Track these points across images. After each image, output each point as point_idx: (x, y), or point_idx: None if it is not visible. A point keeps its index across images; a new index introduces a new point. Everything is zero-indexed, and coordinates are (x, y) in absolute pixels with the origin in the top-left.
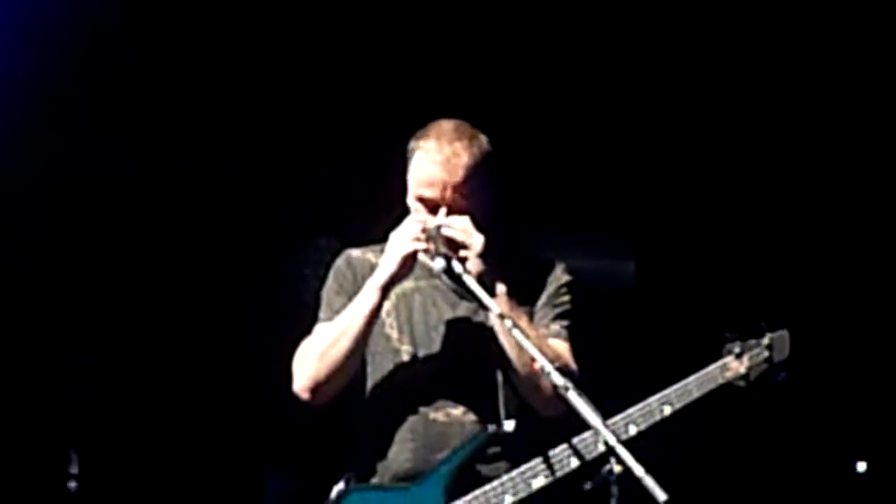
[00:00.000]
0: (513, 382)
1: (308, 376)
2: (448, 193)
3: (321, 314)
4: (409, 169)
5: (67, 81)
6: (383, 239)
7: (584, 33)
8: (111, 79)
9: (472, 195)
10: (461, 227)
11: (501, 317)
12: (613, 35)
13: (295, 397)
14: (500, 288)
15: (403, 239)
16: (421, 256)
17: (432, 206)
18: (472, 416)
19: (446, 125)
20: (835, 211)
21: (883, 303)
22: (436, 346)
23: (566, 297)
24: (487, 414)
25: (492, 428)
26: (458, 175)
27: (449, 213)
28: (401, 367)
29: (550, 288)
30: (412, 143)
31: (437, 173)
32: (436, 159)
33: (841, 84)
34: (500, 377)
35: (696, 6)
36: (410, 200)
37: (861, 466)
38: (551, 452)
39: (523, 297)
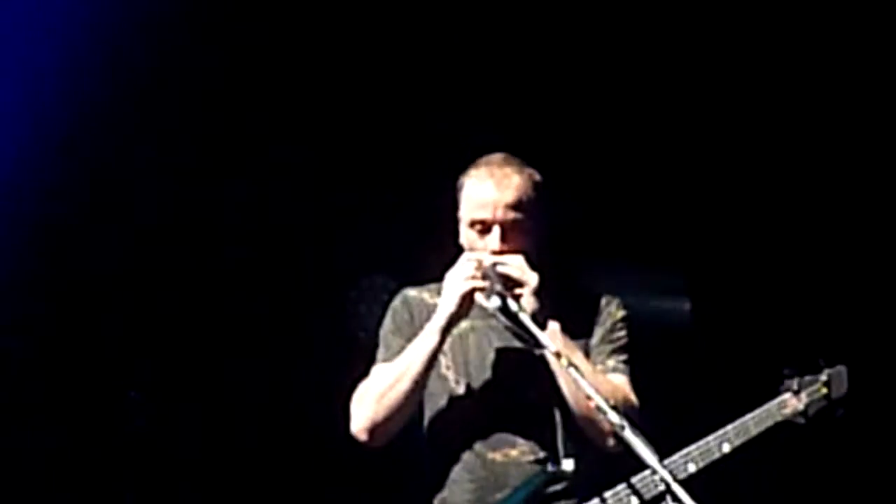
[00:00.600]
0: (571, 420)
1: (367, 417)
2: (500, 213)
3: (379, 355)
4: (460, 201)
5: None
6: (439, 278)
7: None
8: (164, 113)
9: (525, 217)
10: (516, 265)
11: (558, 355)
12: (667, 75)
13: (351, 438)
14: (553, 325)
15: (460, 278)
16: (475, 295)
17: (486, 228)
18: (530, 456)
19: (496, 156)
20: (887, 239)
21: None
22: (491, 385)
23: (623, 332)
24: (546, 453)
25: (551, 467)
26: (510, 193)
27: (503, 234)
28: (458, 408)
29: (607, 323)
30: (462, 178)
31: (489, 192)
32: (487, 180)
33: None
34: (557, 415)
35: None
36: (463, 232)
37: None
38: (609, 493)
39: (579, 333)
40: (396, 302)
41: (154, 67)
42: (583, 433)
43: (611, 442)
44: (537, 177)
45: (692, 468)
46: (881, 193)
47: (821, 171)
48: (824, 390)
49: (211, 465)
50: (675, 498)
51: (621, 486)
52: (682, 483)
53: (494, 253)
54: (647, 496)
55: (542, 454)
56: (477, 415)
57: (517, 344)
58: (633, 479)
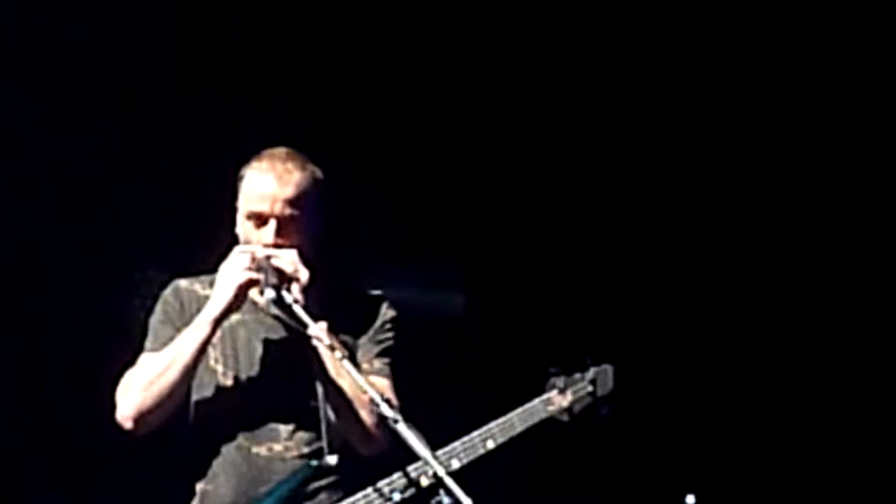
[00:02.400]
0: (339, 418)
1: (133, 405)
2: (279, 207)
3: (147, 344)
4: (239, 191)
5: None
6: (212, 270)
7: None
8: None
9: (302, 213)
10: (289, 260)
11: (332, 348)
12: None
13: (117, 426)
14: (321, 324)
15: (235, 270)
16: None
17: (262, 221)
18: (294, 451)
19: (279, 149)
20: (657, 241)
21: (709, 336)
22: (259, 379)
23: (390, 334)
24: (311, 448)
25: (314, 462)
26: (290, 189)
27: (278, 228)
28: (224, 400)
29: (375, 324)
30: (243, 169)
31: (268, 186)
32: (268, 174)
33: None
34: (323, 411)
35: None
36: (240, 223)
37: (690, 500)
38: (380, 483)
39: (347, 331)
40: (167, 292)
41: None
42: (345, 434)
43: (372, 444)
44: (319, 174)
45: (456, 464)
46: (655, 197)
47: (591, 166)
48: (590, 388)
49: None
50: (448, 492)
51: (392, 478)
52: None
53: (267, 246)
54: (413, 490)
55: (306, 449)
56: (243, 408)
57: (285, 338)
58: (408, 469)
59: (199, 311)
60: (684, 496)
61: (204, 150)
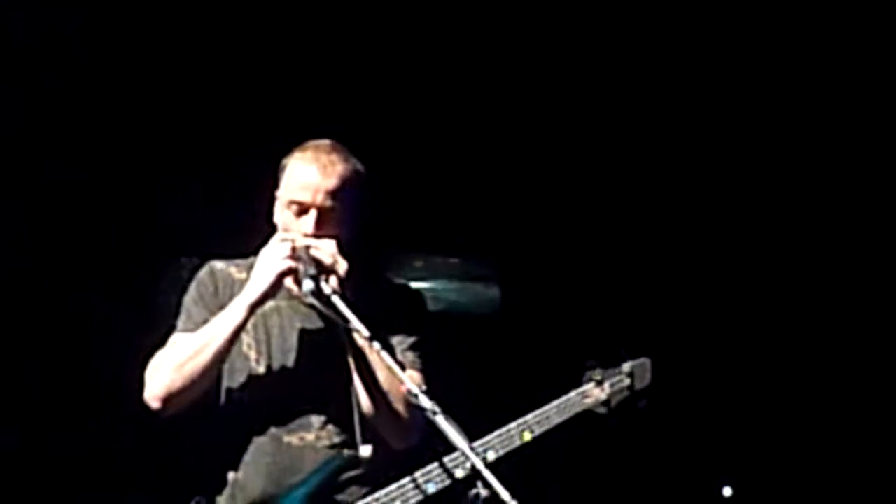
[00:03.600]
0: (374, 409)
1: (163, 385)
2: (321, 197)
3: (179, 324)
4: (281, 181)
5: None
6: (246, 255)
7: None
8: None
9: (342, 205)
10: (328, 251)
11: (370, 339)
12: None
13: (145, 406)
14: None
15: (275, 257)
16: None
17: (303, 210)
18: (326, 441)
19: (323, 141)
20: (698, 238)
21: (746, 331)
22: (292, 368)
23: (423, 327)
24: (343, 438)
25: (347, 453)
26: (332, 180)
27: (318, 219)
28: (256, 388)
29: (409, 316)
30: (286, 159)
31: (312, 176)
32: (312, 164)
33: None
34: (356, 401)
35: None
36: (279, 211)
37: (727, 491)
38: (417, 474)
39: (381, 324)
40: (203, 273)
41: None
42: (380, 427)
43: (404, 437)
44: (360, 168)
45: (492, 456)
46: (691, 191)
47: (626, 165)
48: (627, 381)
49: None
50: (485, 484)
51: (427, 469)
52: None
53: (307, 236)
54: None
55: (338, 440)
56: (275, 396)
57: (320, 328)
58: (445, 460)
59: (233, 294)
60: (721, 488)
61: (235, 144)
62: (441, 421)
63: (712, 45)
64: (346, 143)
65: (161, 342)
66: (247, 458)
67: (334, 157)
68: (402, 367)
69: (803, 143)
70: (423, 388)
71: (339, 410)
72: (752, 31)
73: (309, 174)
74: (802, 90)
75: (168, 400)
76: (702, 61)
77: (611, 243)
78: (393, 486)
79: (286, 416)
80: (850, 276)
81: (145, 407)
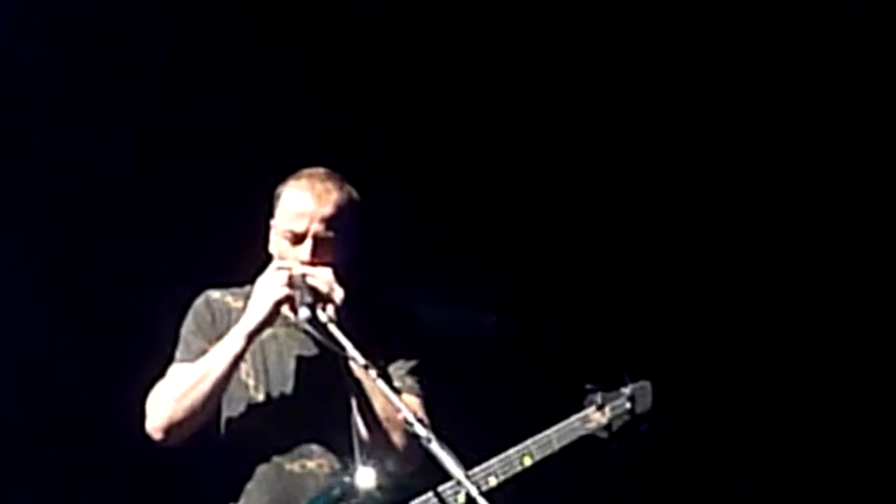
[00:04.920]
0: (371, 435)
1: (164, 416)
2: (316, 226)
3: (178, 354)
4: (276, 209)
5: None
6: (242, 283)
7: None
8: None
9: (338, 233)
10: (325, 280)
11: (367, 367)
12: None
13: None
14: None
15: (272, 286)
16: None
17: (298, 239)
18: (327, 468)
19: (317, 169)
20: (697, 261)
21: (749, 353)
22: (291, 395)
23: (421, 352)
24: (343, 465)
25: (347, 479)
26: (328, 208)
27: (314, 247)
28: (256, 415)
29: (406, 342)
30: (280, 187)
31: (307, 204)
32: (306, 192)
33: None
34: (355, 428)
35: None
36: (274, 240)
37: None
38: (413, 502)
39: (378, 349)
40: (199, 302)
41: None
42: (380, 452)
43: (402, 463)
44: (355, 195)
45: (493, 481)
46: (688, 210)
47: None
48: (628, 405)
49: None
50: None
51: (424, 498)
52: (484, 496)
53: (304, 264)
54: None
55: (339, 466)
56: (275, 424)
57: (317, 355)
58: (440, 489)
59: (230, 323)
60: None
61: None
62: (436, 448)
63: (728, 49)
64: (341, 168)
65: (160, 373)
66: (249, 486)
67: (329, 184)
68: (399, 393)
69: (805, 159)
70: (421, 413)
71: (339, 437)
72: (761, 31)
73: (304, 202)
74: (805, 95)
75: (170, 431)
76: (711, 67)
77: (608, 265)
78: None
79: (286, 443)
80: (854, 289)
81: (146, 437)
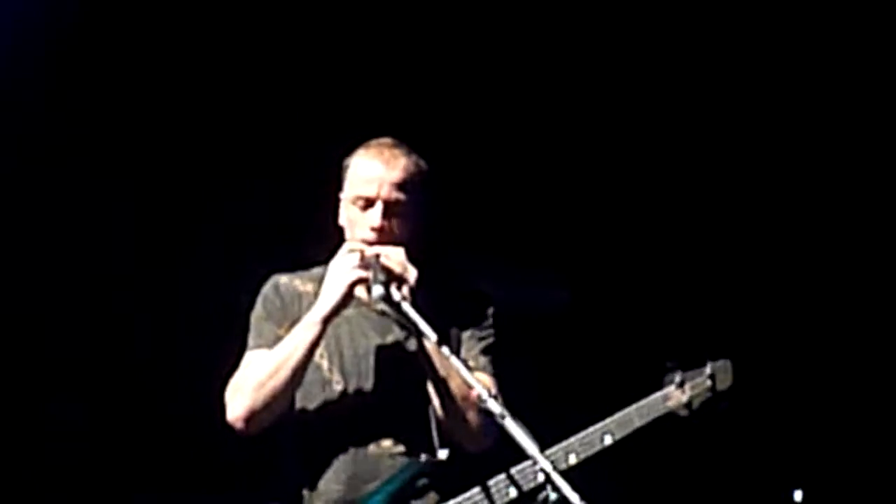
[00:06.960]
0: (445, 415)
1: (245, 406)
2: (386, 190)
3: (250, 341)
4: (344, 180)
5: None
6: (307, 266)
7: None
8: None
9: (408, 198)
10: (397, 259)
11: (440, 344)
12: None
13: (223, 426)
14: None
15: (345, 268)
16: None
17: (369, 204)
18: (402, 447)
19: (385, 138)
20: (776, 239)
21: (824, 332)
22: (366, 376)
23: (492, 331)
24: (419, 444)
25: (424, 458)
26: (397, 173)
27: (384, 212)
28: (331, 397)
29: (478, 320)
30: (348, 159)
31: (376, 169)
32: (375, 159)
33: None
34: (431, 407)
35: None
36: (344, 210)
37: (798, 495)
38: (490, 482)
39: (451, 328)
40: (267, 288)
41: None
42: (450, 433)
43: (476, 441)
44: (423, 164)
45: (573, 460)
46: (756, 190)
47: (698, 165)
48: (709, 383)
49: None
50: (555, 488)
51: (500, 478)
52: (562, 474)
53: (374, 229)
54: (525, 487)
55: (414, 445)
56: (350, 405)
57: (391, 334)
58: (512, 470)
59: (300, 307)
60: (792, 491)
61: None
62: (510, 424)
63: (728, 49)
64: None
65: (236, 363)
66: (323, 467)
67: (397, 151)
68: (472, 371)
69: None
70: (494, 392)
71: (414, 416)
72: (764, 31)
73: (374, 168)
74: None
75: (251, 420)
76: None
77: (687, 244)
78: (475, 490)
79: (361, 424)
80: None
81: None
